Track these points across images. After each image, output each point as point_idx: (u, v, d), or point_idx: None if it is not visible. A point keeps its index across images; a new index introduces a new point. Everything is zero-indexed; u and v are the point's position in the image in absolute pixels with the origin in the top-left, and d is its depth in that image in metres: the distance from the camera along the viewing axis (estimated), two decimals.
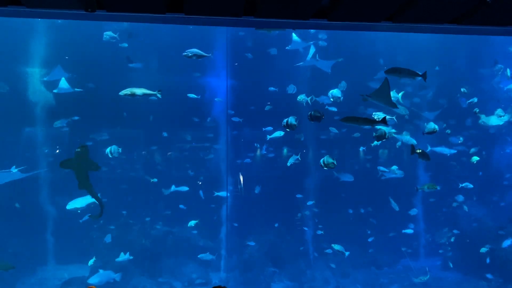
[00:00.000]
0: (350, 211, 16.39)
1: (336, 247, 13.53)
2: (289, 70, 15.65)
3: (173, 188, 14.98)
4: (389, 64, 14.56)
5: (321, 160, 11.55)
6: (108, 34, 13.72)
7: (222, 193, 15.41)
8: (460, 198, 15.54)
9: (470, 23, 5.08)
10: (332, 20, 4.82)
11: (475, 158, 14.74)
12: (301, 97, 14.11)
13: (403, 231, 15.55)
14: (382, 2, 4.45)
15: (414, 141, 13.88)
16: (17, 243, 14.16)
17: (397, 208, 14.66)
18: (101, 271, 12.70)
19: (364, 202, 16.55)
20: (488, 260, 13.91)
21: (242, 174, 16.68)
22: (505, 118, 14.52)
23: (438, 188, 13.15)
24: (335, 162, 11.35)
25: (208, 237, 15.78)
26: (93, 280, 12.07)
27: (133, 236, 14.90)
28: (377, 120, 9.95)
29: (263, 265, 14.79)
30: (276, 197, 15.40)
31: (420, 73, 9.77)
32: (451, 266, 14.47)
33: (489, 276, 13.81)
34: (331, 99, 13.54)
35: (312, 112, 11.79)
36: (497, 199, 16.05)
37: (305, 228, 16.26)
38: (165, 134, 16.54)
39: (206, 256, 14.25)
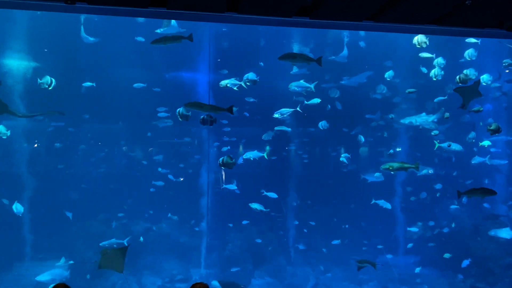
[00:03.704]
0: (332, 208, 16.57)
1: (254, 205, 13.39)
2: (274, 65, 15.67)
3: None
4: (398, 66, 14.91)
5: (220, 159, 11.49)
6: None
7: (271, 194, 14.74)
8: (424, 195, 15.83)
9: (450, 25, 5.19)
10: (314, 18, 4.85)
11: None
12: (226, 82, 12.20)
13: (408, 228, 15.67)
14: (363, 2, 4.51)
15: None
16: None
17: (389, 207, 14.80)
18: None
19: (346, 200, 16.73)
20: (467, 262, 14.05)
21: (224, 171, 16.66)
22: (429, 118, 14.61)
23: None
24: (233, 163, 11.37)
25: (189, 233, 15.75)
26: (43, 277, 11.77)
27: (113, 232, 14.73)
28: (222, 108, 9.51)
29: (244, 261, 14.81)
30: (257, 194, 15.39)
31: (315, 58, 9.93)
32: (417, 271, 14.60)
33: (460, 276, 14.06)
34: (247, 83, 12.65)
35: (205, 117, 11.66)
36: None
37: (286, 225, 16.38)
38: (149, 134, 16.44)
39: (109, 242, 13.13)
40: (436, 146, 13.59)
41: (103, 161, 17.00)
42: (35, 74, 15.05)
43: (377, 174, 15.22)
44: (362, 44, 15.91)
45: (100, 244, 12.90)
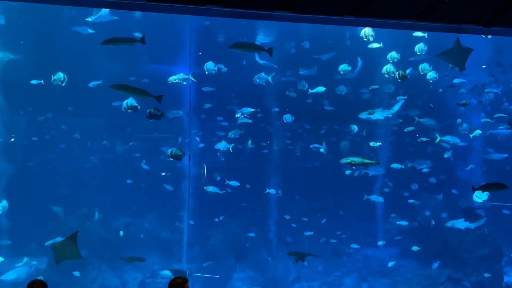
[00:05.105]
0: (315, 202, 16.72)
1: (210, 188, 13.34)
2: (254, 61, 15.64)
3: None
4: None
5: (169, 151, 11.39)
6: None
7: (271, 191, 14.93)
8: (415, 186, 16.04)
9: (428, 20, 5.27)
10: (296, 12, 4.86)
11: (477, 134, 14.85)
12: (174, 78, 12.20)
13: (398, 222, 15.81)
14: None
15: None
16: None
17: (381, 200, 14.94)
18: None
19: (328, 193, 16.86)
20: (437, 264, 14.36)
21: (206, 165, 16.61)
22: (385, 113, 14.78)
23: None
24: (183, 155, 11.31)
25: (170, 228, 15.68)
26: (9, 276, 11.52)
27: (93, 228, 14.57)
28: (150, 93, 9.27)
29: (226, 255, 14.81)
30: (240, 188, 15.40)
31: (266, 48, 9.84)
32: (391, 264, 14.77)
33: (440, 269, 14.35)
34: (206, 72, 12.85)
35: (152, 110, 11.42)
36: (450, 190, 16.63)
37: (268, 219, 16.44)
38: (128, 129, 16.21)
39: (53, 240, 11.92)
40: (438, 139, 13.56)
41: (83, 156, 16.73)
42: (13, 67, 14.73)
43: (378, 168, 15.26)
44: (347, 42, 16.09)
45: (45, 244, 12.19)
